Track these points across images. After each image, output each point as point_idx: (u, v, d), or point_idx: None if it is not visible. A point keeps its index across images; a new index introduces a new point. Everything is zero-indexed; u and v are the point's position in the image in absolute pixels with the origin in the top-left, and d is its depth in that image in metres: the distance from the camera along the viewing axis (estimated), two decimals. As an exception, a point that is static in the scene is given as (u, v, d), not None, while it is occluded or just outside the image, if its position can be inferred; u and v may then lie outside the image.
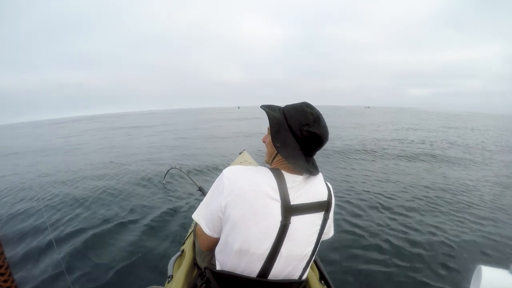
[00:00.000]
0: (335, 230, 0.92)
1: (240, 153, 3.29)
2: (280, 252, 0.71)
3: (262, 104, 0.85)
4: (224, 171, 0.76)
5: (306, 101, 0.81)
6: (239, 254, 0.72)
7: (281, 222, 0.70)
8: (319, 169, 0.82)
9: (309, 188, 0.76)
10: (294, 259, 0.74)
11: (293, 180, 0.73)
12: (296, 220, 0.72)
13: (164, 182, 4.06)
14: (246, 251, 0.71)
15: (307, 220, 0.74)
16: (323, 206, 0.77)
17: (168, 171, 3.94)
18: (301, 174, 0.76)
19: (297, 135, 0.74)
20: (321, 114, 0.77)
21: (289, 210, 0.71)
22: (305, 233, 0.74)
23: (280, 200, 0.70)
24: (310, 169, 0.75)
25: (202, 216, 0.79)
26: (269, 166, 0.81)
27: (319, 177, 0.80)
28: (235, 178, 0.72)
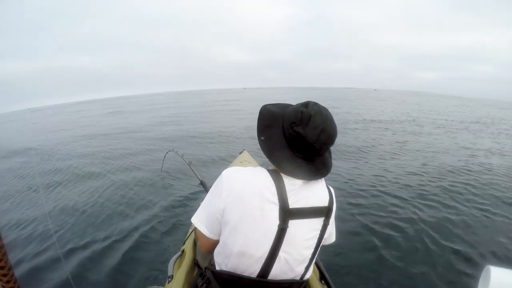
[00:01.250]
0: (337, 231, 0.90)
1: (240, 153, 3.28)
2: (278, 256, 0.71)
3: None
4: (223, 172, 0.75)
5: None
6: (237, 256, 0.71)
7: (279, 225, 0.69)
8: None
9: (309, 192, 0.74)
10: (292, 262, 0.73)
11: (292, 183, 0.71)
12: (294, 224, 0.70)
13: (162, 171, 3.93)
14: (245, 253, 0.71)
15: (305, 224, 0.73)
16: (322, 212, 0.75)
17: (166, 154, 3.53)
18: (311, 179, 0.74)
19: (285, 134, 0.73)
20: (317, 114, 0.70)
21: (287, 214, 0.69)
22: (304, 237, 0.73)
23: (278, 203, 0.69)
24: (296, 171, 0.71)
25: (201, 220, 0.78)
26: (270, 168, 0.80)
27: (321, 181, 0.78)
28: (234, 181, 0.72)
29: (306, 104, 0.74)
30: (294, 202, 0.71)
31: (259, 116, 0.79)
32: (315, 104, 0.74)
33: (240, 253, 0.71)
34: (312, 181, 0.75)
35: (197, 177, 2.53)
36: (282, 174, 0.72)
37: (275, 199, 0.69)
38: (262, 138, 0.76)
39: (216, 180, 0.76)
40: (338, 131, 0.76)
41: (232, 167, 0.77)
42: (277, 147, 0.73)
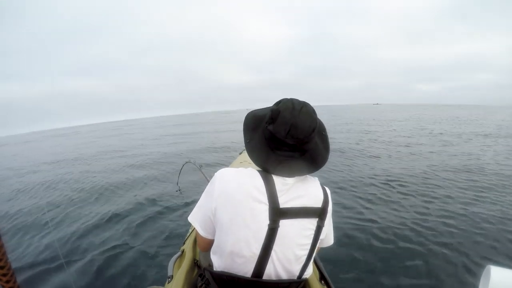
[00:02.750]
0: (337, 232, 0.89)
1: (240, 153, 3.29)
2: (270, 256, 0.71)
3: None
4: (216, 173, 0.76)
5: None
6: (230, 256, 0.72)
7: (269, 225, 0.68)
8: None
9: (302, 192, 0.73)
10: (286, 262, 0.73)
11: (282, 183, 0.71)
12: (286, 224, 0.70)
13: (178, 182, 4.05)
14: (237, 253, 0.71)
15: (297, 224, 0.71)
16: (315, 213, 0.73)
17: (183, 165, 3.80)
18: (295, 175, 0.73)
19: (264, 134, 0.75)
20: (286, 110, 0.70)
21: (277, 213, 0.69)
22: (296, 237, 0.72)
23: (268, 203, 0.69)
24: (277, 168, 0.71)
25: (196, 219, 0.79)
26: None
27: (315, 181, 0.78)
28: (225, 181, 0.72)
29: (279, 102, 0.75)
30: (285, 202, 0.70)
31: (243, 121, 0.81)
32: (289, 100, 0.74)
33: (232, 253, 0.71)
34: (306, 181, 0.75)
35: (207, 180, 2.55)
36: (273, 173, 0.73)
37: (264, 199, 0.69)
38: (247, 140, 0.78)
39: (210, 181, 0.77)
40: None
41: (224, 168, 0.78)
42: (257, 147, 0.75)
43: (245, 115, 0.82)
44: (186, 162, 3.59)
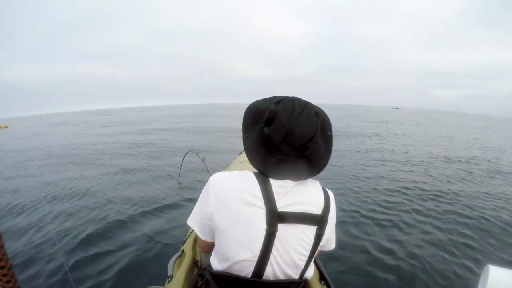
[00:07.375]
0: (338, 233, 0.88)
1: (240, 153, 3.28)
2: (269, 260, 0.69)
3: None
4: (210, 178, 0.74)
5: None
6: (229, 260, 0.71)
7: (266, 230, 0.66)
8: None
9: (301, 197, 0.69)
10: (285, 266, 0.71)
11: (280, 185, 0.68)
12: (284, 228, 0.67)
13: (180, 172, 4.05)
14: (235, 258, 0.70)
15: (296, 230, 0.69)
16: (314, 220, 0.70)
17: (186, 154, 3.82)
18: (292, 179, 0.69)
19: (261, 135, 0.71)
20: (284, 113, 0.66)
21: (275, 217, 0.66)
22: (295, 243, 0.69)
23: (264, 207, 0.66)
24: (272, 170, 0.68)
25: (195, 222, 0.79)
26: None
27: (316, 185, 0.75)
28: (220, 186, 0.71)
29: (279, 101, 0.70)
30: (283, 206, 0.68)
31: (244, 114, 0.77)
32: (289, 100, 0.69)
33: (231, 257, 0.70)
34: (306, 184, 0.72)
35: (209, 173, 2.54)
36: (269, 176, 0.70)
37: (260, 203, 0.67)
38: (245, 136, 0.75)
39: (205, 185, 0.76)
40: None
41: (219, 172, 0.77)
42: (254, 146, 0.72)
43: (246, 108, 0.78)
44: (188, 152, 3.56)
